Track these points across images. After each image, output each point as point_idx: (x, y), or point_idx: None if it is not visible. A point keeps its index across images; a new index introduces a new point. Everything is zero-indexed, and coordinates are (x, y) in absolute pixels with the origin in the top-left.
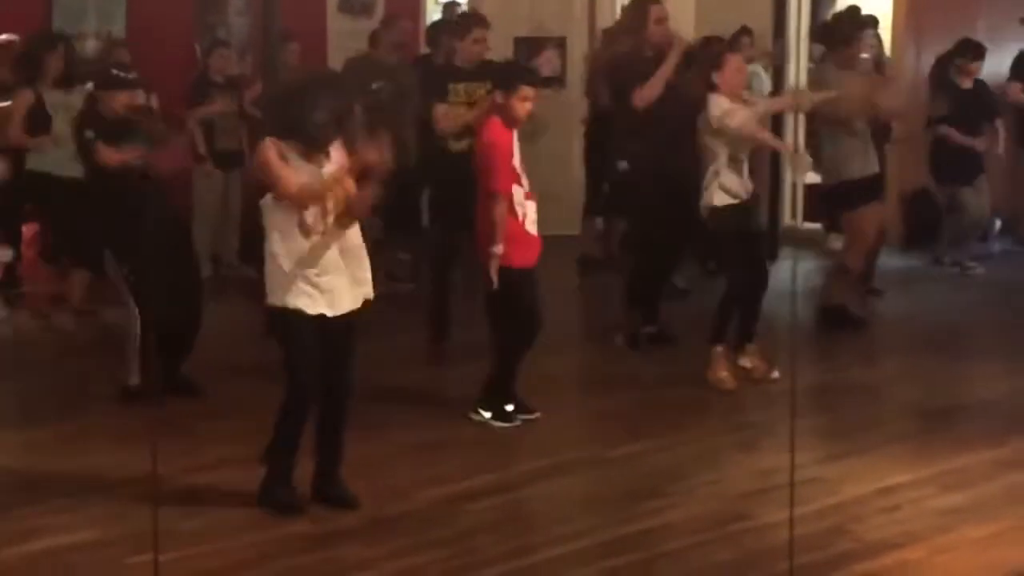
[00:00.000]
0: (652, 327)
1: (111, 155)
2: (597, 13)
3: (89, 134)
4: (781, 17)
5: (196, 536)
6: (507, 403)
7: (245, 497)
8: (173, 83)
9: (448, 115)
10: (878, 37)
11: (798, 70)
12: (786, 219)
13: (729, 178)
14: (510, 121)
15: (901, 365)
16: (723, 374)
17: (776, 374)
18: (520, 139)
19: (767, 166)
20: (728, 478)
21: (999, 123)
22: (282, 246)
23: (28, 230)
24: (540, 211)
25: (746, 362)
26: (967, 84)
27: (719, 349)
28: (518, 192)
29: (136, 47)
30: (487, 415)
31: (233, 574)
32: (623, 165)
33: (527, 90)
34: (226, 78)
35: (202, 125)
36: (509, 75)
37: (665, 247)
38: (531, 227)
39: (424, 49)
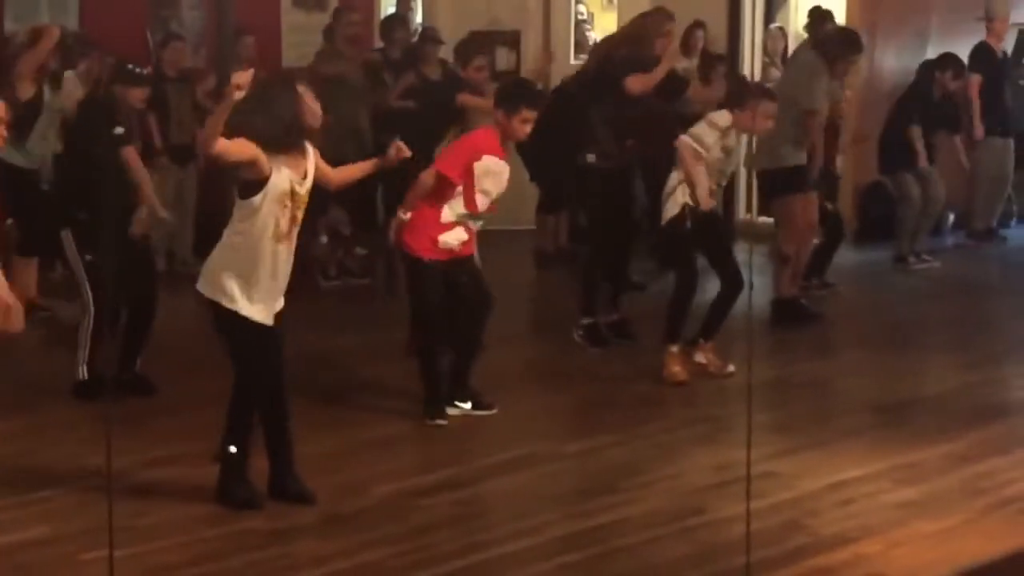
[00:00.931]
0: (614, 314)
1: (134, 156)
2: (552, 7)
3: (119, 130)
4: (736, 10)
5: (151, 532)
6: (436, 402)
7: (200, 493)
8: None
9: None
10: None
11: (753, 63)
12: (740, 213)
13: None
14: (505, 139)
15: (856, 359)
16: (675, 368)
17: (731, 368)
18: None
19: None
20: (685, 473)
21: (957, 139)
22: (238, 246)
23: None
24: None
25: (701, 358)
26: (938, 94)
27: (674, 349)
28: (458, 202)
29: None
30: (465, 406)
31: (188, 570)
32: (591, 158)
33: (528, 112)
34: (179, 72)
35: (156, 119)
36: (514, 97)
37: (624, 240)
38: (448, 237)
39: (378, 43)
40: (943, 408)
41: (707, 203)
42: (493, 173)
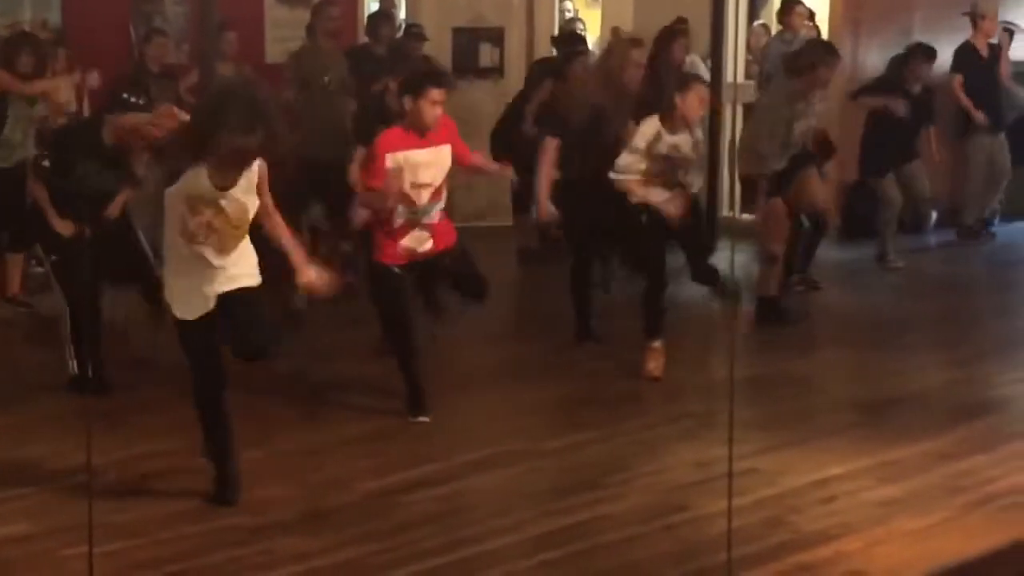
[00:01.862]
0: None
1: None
2: (536, 4)
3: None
4: (719, 7)
5: (132, 528)
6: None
7: (181, 489)
8: (109, 72)
9: None
10: (817, 28)
11: (736, 61)
12: (723, 210)
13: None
14: (417, 127)
15: (838, 357)
16: (652, 364)
17: (655, 373)
18: None
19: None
20: (667, 469)
21: (932, 130)
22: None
23: None
24: (474, 201)
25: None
26: (916, 88)
27: (655, 344)
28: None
29: (72, 36)
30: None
31: (169, 566)
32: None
33: (436, 93)
34: (163, 67)
35: None
36: (419, 79)
37: (599, 242)
38: (408, 241)
39: (362, 39)
40: (925, 406)
41: (674, 212)
42: (415, 164)
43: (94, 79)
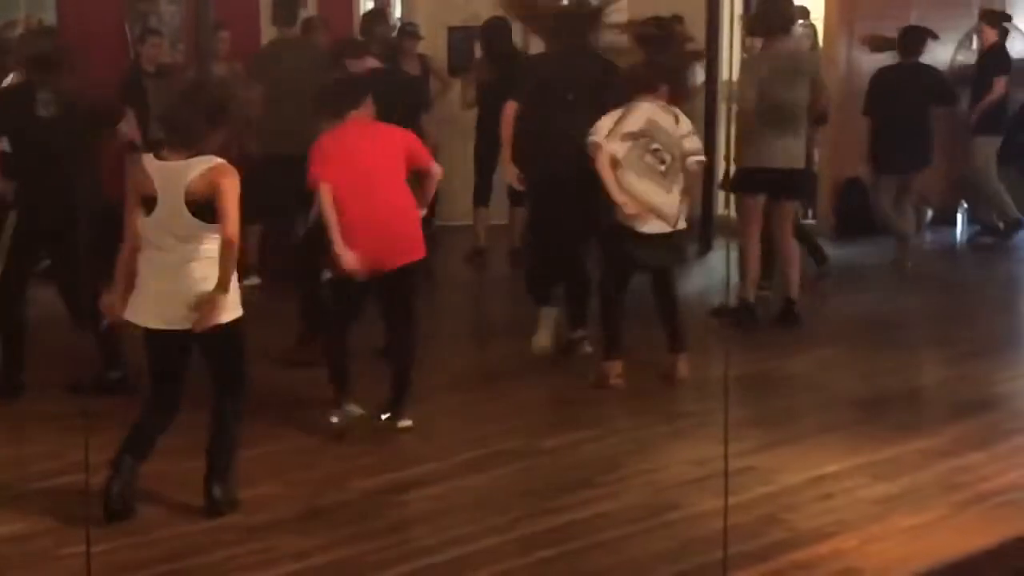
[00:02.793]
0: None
1: None
2: None
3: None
4: (714, 6)
5: (129, 527)
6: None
7: (178, 487)
8: (104, 72)
9: None
10: (812, 27)
11: (731, 59)
12: (719, 209)
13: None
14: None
15: (834, 355)
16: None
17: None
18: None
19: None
20: (662, 468)
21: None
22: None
23: None
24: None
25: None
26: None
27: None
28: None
29: (67, 35)
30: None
31: (166, 565)
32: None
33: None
34: (158, 67)
35: (136, 114)
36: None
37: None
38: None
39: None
40: (921, 403)
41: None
42: None
43: None
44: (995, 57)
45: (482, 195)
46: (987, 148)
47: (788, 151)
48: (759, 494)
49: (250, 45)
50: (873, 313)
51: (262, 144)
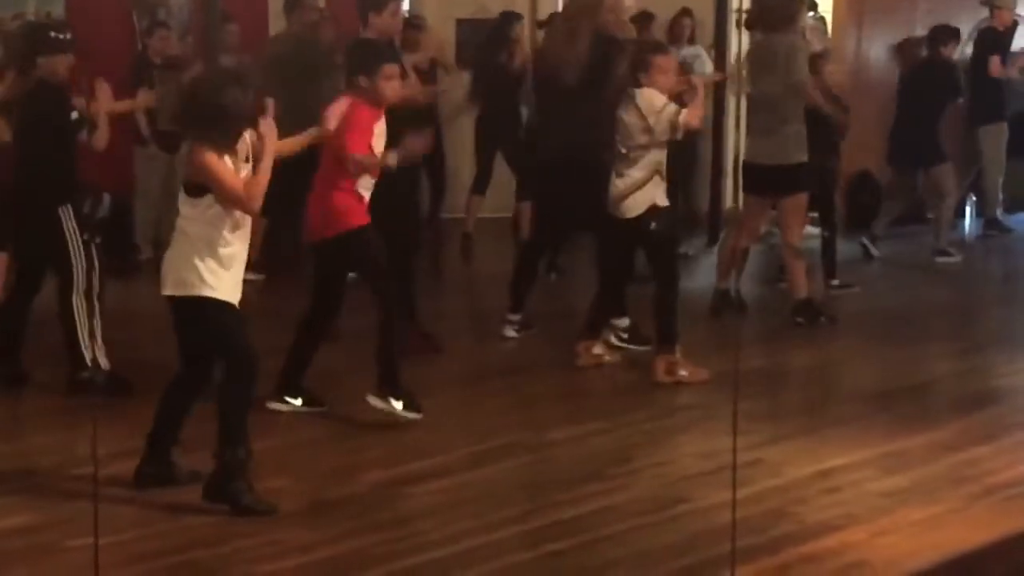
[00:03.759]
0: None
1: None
2: None
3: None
4: None
5: (136, 519)
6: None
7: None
8: (112, 65)
9: None
10: (822, 20)
11: (739, 52)
12: (728, 201)
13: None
14: (377, 103)
15: (843, 348)
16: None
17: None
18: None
19: (709, 149)
20: (671, 461)
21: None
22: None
23: None
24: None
25: (599, 349)
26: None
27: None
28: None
29: (75, 28)
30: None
31: (174, 557)
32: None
33: (390, 68)
34: (166, 59)
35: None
36: (369, 57)
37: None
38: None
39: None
40: (930, 396)
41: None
42: (379, 134)
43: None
44: (986, 37)
45: (480, 183)
46: (991, 138)
47: (769, 147)
48: (767, 487)
49: (258, 38)
50: (881, 307)
51: None
